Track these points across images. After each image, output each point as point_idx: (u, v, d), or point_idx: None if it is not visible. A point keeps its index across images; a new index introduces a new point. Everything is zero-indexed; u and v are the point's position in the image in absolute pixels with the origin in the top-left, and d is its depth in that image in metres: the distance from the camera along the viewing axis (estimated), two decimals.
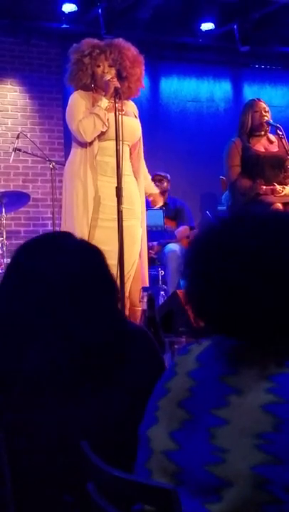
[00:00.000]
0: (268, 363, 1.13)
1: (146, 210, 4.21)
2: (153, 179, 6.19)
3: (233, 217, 1.23)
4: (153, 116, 6.97)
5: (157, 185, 6.24)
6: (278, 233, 1.16)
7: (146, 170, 4.15)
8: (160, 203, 4.18)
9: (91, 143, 3.84)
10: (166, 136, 7.07)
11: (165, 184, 6.31)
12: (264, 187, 4.85)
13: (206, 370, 1.21)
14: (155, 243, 5.87)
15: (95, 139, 3.84)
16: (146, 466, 1.21)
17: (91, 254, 1.60)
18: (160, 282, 5.62)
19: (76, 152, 3.92)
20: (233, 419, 1.11)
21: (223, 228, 1.21)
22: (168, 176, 6.35)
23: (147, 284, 4.06)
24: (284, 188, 4.92)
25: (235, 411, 1.11)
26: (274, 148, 5.02)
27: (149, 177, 4.19)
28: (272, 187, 4.86)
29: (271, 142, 5.04)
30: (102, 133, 3.84)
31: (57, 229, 5.56)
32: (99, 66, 3.90)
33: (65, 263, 1.54)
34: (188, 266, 1.23)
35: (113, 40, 3.99)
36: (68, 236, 1.63)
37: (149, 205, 4.33)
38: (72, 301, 1.50)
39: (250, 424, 1.09)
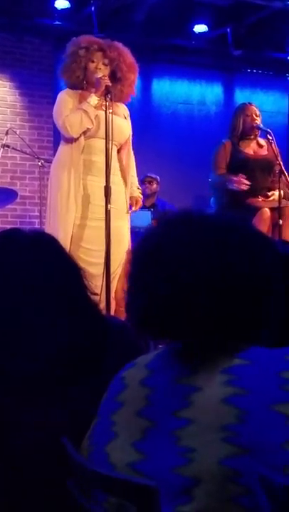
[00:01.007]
0: (219, 358, 1.14)
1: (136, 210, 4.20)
2: (143, 181, 6.20)
3: (164, 223, 1.22)
4: (144, 117, 6.96)
5: (147, 187, 6.26)
6: (205, 238, 1.16)
7: (135, 172, 4.13)
8: (136, 208, 4.15)
9: (77, 140, 3.83)
10: (156, 138, 7.06)
11: (155, 186, 6.31)
12: (235, 179, 4.81)
13: (160, 376, 1.19)
14: None
15: (81, 135, 3.82)
16: None
17: (45, 245, 1.55)
18: None
19: (63, 150, 3.90)
20: (197, 417, 1.10)
21: (151, 236, 1.20)
22: (158, 178, 6.35)
23: None
24: (273, 193, 4.93)
25: (198, 409, 1.11)
26: (263, 152, 5.04)
27: (136, 180, 4.16)
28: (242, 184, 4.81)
29: (261, 146, 5.06)
30: (89, 131, 3.82)
31: (44, 227, 5.54)
32: (93, 61, 3.89)
33: (18, 262, 1.50)
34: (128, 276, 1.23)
35: (113, 42, 4.00)
36: (16, 232, 1.58)
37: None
38: (52, 301, 1.46)
39: (214, 419, 1.08)
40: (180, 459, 1.08)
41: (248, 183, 4.80)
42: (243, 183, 4.79)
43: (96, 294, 1.63)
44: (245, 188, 4.81)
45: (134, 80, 4.00)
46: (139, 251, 1.21)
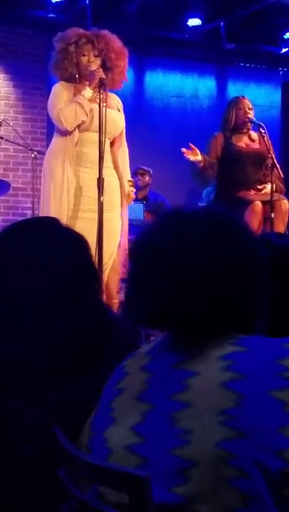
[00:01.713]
0: (217, 345, 1.16)
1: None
2: (136, 173, 6.20)
3: (159, 221, 1.26)
4: (137, 110, 6.96)
5: (139, 179, 6.26)
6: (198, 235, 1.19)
7: (128, 165, 4.13)
8: (130, 202, 4.15)
9: (71, 133, 3.82)
10: (149, 131, 7.06)
11: (147, 178, 6.31)
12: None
13: (159, 361, 1.22)
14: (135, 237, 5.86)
15: (75, 129, 3.82)
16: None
17: (77, 242, 1.58)
18: None
19: (56, 142, 3.90)
20: (194, 400, 1.12)
21: (147, 233, 1.24)
22: (150, 170, 6.35)
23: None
24: (265, 186, 4.94)
25: (195, 392, 1.13)
26: (255, 145, 5.05)
27: (129, 173, 4.16)
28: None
29: (253, 140, 5.07)
30: (83, 123, 3.82)
31: None
32: (84, 55, 3.88)
33: (51, 250, 1.52)
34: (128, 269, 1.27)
35: (99, 31, 3.98)
36: (54, 222, 1.62)
37: None
38: (55, 289, 1.49)
39: (211, 402, 1.11)
40: (177, 441, 1.10)
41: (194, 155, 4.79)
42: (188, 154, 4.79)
43: (104, 303, 1.67)
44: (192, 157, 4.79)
45: (124, 66, 3.98)
46: (137, 248, 1.24)
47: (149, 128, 7.12)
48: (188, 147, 4.81)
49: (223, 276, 1.16)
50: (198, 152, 4.78)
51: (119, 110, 4.05)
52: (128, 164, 4.12)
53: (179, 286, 1.15)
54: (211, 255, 1.16)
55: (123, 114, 4.07)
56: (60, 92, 3.90)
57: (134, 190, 4.25)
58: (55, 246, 1.54)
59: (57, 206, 3.80)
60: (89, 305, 1.52)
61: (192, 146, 4.80)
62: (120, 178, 4.00)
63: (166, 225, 1.22)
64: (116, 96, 4.07)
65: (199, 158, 4.77)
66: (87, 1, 6.23)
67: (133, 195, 4.20)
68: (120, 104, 4.08)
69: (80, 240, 1.59)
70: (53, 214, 3.79)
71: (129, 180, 4.15)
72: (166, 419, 1.14)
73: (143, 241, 1.24)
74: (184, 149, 4.77)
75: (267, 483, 1.04)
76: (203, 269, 1.16)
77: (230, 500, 1.06)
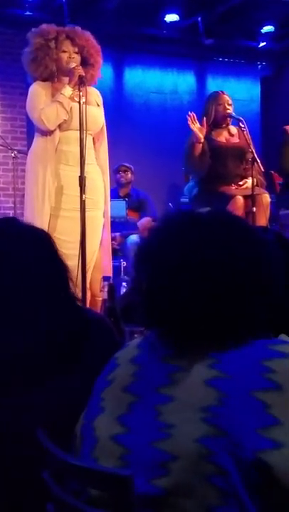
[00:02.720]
0: (204, 343, 1.17)
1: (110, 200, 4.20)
2: (118, 170, 6.19)
3: (164, 226, 1.27)
4: (117, 107, 6.95)
5: (122, 176, 6.25)
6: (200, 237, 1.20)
7: (108, 163, 4.12)
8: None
9: (52, 132, 3.80)
10: (129, 127, 7.05)
11: (130, 175, 6.31)
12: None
13: (148, 354, 1.24)
14: (117, 234, 5.86)
15: (56, 128, 3.80)
16: (92, 455, 1.22)
17: (39, 238, 1.58)
18: (122, 273, 5.61)
19: (38, 141, 3.88)
20: (178, 395, 1.14)
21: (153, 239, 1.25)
22: (132, 167, 6.35)
23: (111, 274, 4.06)
24: (246, 181, 4.96)
25: (180, 387, 1.15)
26: (235, 140, 5.07)
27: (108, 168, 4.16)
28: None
29: (232, 135, 5.09)
30: (64, 122, 3.80)
31: (21, 218, 5.51)
32: (64, 51, 3.85)
33: (14, 250, 1.52)
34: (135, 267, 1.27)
35: (76, 28, 3.95)
36: (14, 221, 1.61)
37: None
38: (25, 291, 1.48)
39: (195, 398, 1.12)
40: (159, 434, 1.12)
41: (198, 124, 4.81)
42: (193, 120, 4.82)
43: (78, 300, 1.65)
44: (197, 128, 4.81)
45: (101, 62, 3.97)
46: (146, 251, 1.25)
47: (130, 124, 7.12)
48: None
49: (232, 278, 1.16)
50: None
51: (98, 105, 4.03)
52: (107, 162, 4.11)
53: (186, 288, 1.16)
54: (222, 258, 1.17)
55: (102, 109, 4.05)
56: (38, 92, 3.86)
57: (110, 189, 4.22)
58: (17, 245, 1.53)
59: (39, 206, 3.79)
60: (62, 304, 1.52)
61: (193, 114, 4.81)
62: (104, 175, 3.98)
63: (177, 229, 1.23)
64: (95, 90, 4.04)
65: (199, 127, 4.77)
66: None
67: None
68: (100, 99, 4.05)
69: (42, 236, 1.59)
70: (36, 214, 3.78)
71: None
72: (151, 411, 1.16)
73: (152, 244, 1.24)
74: (189, 114, 4.77)
75: (244, 480, 1.05)
76: (211, 270, 1.16)
77: (208, 496, 1.07)
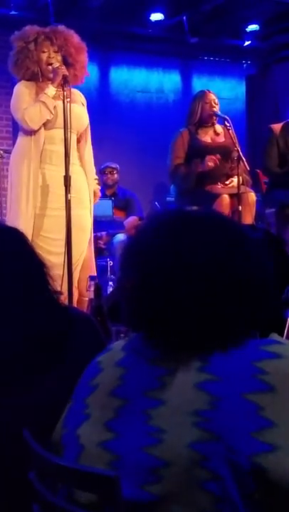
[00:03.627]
0: (194, 345, 1.15)
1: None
2: (104, 171, 6.19)
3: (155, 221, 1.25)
4: (102, 106, 6.94)
5: (108, 177, 6.24)
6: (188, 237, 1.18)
7: (93, 162, 4.12)
8: (97, 199, 4.15)
9: (37, 131, 3.80)
10: (115, 127, 7.05)
11: (116, 176, 6.30)
12: (208, 163, 4.86)
13: (134, 356, 1.21)
14: (104, 233, 5.86)
15: (41, 127, 3.80)
16: (78, 462, 1.18)
17: (14, 238, 1.57)
18: (109, 272, 5.61)
19: (22, 141, 3.87)
20: (168, 399, 1.12)
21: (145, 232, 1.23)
22: (118, 167, 6.34)
23: (95, 273, 4.05)
24: (232, 180, 4.97)
25: (170, 391, 1.12)
26: (220, 139, 5.09)
27: (94, 170, 4.15)
28: (211, 157, 4.88)
29: (217, 134, 5.11)
30: (49, 121, 3.80)
31: (4, 218, 5.49)
32: (44, 52, 3.85)
33: None
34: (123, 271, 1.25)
35: (56, 27, 3.96)
36: None
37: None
38: (1, 290, 1.48)
39: (185, 402, 1.10)
40: (150, 439, 1.10)
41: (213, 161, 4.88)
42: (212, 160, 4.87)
43: (60, 293, 1.64)
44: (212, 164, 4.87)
45: (85, 60, 3.96)
46: (134, 250, 1.23)
47: (116, 123, 7.11)
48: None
49: (224, 278, 1.14)
50: None
51: (83, 105, 4.03)
52: (93, 161, 4.10)
53: (176, 289, 1.14)
54: (213, 258, 1.15)
55: (86, 110, 4.04)
56: (22, 92, 3.86)
57: (100, 188, 4.24)
58: (15, 252, 1.53)
59: (24, 206, 3.78)
60: (42, 304, 1.51)
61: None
62: (88, 175, 3.98)
63: (166, 229, 1.20)
64: (79, 92, 4.05)
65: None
66: None
67: (99, 193, 4.18)
68: (84, 100, 4.06)
69: (15, 235, 1.58)
70: (20, 214, 3.77)
71: (95, 179, 4.14)
72: (140, 416, 1.13)
73: (140, 244, 1.21)
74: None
75: (238, 485, 1.03)
76: (202, 271, 1.14)
77: (202, 502, 1.05)
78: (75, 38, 3.90)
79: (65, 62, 3.86)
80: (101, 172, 6.03)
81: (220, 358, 1.12)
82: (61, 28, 3.93)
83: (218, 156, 4.86)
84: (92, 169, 4.07)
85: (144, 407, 1.14)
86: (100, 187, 4.20)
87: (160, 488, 1.07)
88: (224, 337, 1.14)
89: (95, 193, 4.06)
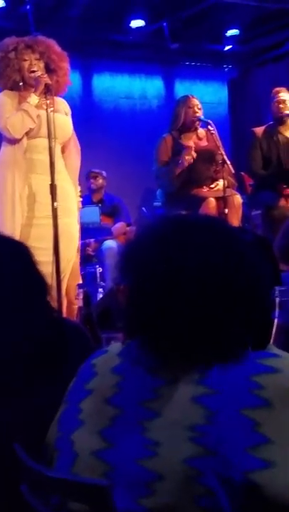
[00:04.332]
0: (192, 356, 1.13)
1: (82, 207, 4.20)
2: (88, 176, 6.19)
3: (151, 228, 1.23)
4: (86, 113, 6.94)
5: (92, 183, 6.24)
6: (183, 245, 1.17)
7: (78, 172, 4.12)
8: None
9: (20, 140, 3.79)
10: (100, 133, 7.05)
11: (100, 181, 6.30)
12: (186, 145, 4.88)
13: (132, 365, 1.19)
14: (92, 240, 5.86)
15: (23, 136, 3.79)
16: (71, 470, 1.17)
17: (19, 251, 1.58)
18: (98, 279, 5.61)
19: (6, 150, 3.87)
20: (165, 411, 1.10)
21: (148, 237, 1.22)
22: (103, 172, 6.34)
23: (80, 281, 4.05)
24: (217, 183, 5.00)
25: (166, 403, 1.11)
26: (203, 143, 5.12)
27: (77, 179, 4.15)
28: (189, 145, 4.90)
29: (200, 138, 5.14)
30: (32, 130, 3.80)
31: None
32: (25, 60, 3.84)
33: None
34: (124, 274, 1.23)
35: (37, 36, 3.97)
36: None
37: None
38: (4, 302, 1.48)
39: (181, 416, 1.08)
40: (145, 451, 1.09)
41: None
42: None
43: (55, 311, 1.65)
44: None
45: (67, 68, 3.96)
46: (127, 260, 1.21)
47: (100, 130, 7.12)
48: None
49: (223, 287, 1.13)
50: None
51: (66, 114, 4.03)
52: (78, 172, 4.10)
53: (174, 297, 1.12)
54: (213, 266, 1.13)
55: (70, 119, 4.05)
56: (4, 101, 3.86)
57: (81, 200, 4.23)
58: (17, 264, 1.54)
59: (10, 215, 3.77)
60: (40, 313, 1.52)
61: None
62: (74, 183, 3.98)
63: (163, 235, 1.18)
64: (63, 100, 4.05)
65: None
66: (28, 7, 6.18)
67: (80, 205, 4.17)
68: (68, 109, 4.06)
69: (19, 248, 1.59)
70: (7, 223, 3.76)
71: (80, 191, 4.13)
72: (136, 427, 1.12)
73: (137, 251, 1.20)
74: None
75: (232, 502, 1.02)
76: (201, 279, 1.12)
77: None
78: (57, 47, 3.91)
79: (48, 69, 3.87)
80: (86, 177, 6.03)
81: (218, 371, 1.11)
82: (41, 37, 3.94)
83: (194, 153, 4.88)
84: (76, 180, 4.07)
85: (140, 418, 1.12)
86: (81, 199, 4.18)
87: (153, 502, 1.06)
88: (218, 341, 1.13)
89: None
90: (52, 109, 3.69)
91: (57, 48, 3.91)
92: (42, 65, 3.86)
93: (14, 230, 3.73)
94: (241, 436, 1.05)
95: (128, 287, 1.19)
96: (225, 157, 4.85)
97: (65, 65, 3.94)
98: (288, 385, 1.08)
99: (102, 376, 1.23)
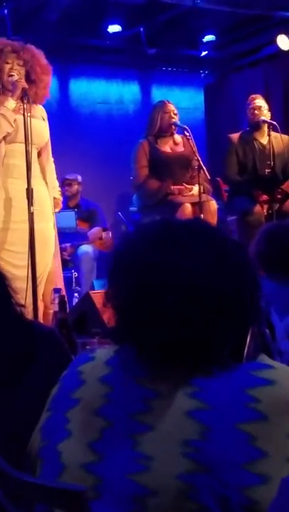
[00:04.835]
0: (184, 367, 1.11)
1: (59, 211, 4.20)
2: (62, 184, 6.18)
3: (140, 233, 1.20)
4: (63, 118, 6.93)
5: (67, 190, 6.23)
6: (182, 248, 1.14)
7: (55, 173, 4.13)
8: (59, 208, 4.16)
9: None
10: (76, 138, 7.05)
11: (75, 187, 6.29)
12: (172, 187, 4.95)
13: (120, 374, 1.16)
14: (68, 245, 5.85)
15: (1, 141, 3.78)
16: (57, 481, 1.15)
17: None
18: (74, 284, 5.60)
19: None
20: (157, 425, 1.08)
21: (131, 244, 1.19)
22: (78, 177, 6.33)
23: (62, 286, 4.05)
24: (192, 188, 5.03)
25: (159, 416, 1.08)
26: (180, 148, 5.14)
27: (56, 182, 4.16)
28: (179, 187, 4.97)
29: (176, 144, 5.16)
30: (9, 135, 3.79)
31: None
32: (7, 63, 3.83)
33: None
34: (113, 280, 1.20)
35: (26, 45, 3.96)
36: None
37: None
38: None
39: (175, 430, 1.06)
40: (136, 465, 1.06)
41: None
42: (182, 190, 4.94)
43: (22, 306, 1.63)
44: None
45: (48, 81, 3.97)
46: (119, 265, 1.18)
47: (76, 135, 7.11)
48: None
49: (219, 296, 1.10)
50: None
51: (44, 119, 4.03)
52: (54, 173, 4.11)
53: (167, 305, 1.09)
54: (209, 273, 1.10)
55: (47, 124, 4.05)
56: None
57: (62, 199, 4.24)
58: None
59: None
60: (8, 318, 1.51)
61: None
62: (49, 187, 3.98)
63: (156, 241, 1.15)
64: (40, 106, 4.05)
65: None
66: (5, 11, 6.16)
67: (60, 204, 4.18)
68: (45, 114, 4.06)
69: None
70: None
71: (58, 190, 4.14)
72: (126, 440, 1.09)
73: (130, 256, 1.16)
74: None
75: None
76: (197, 287, 1.09)
77: None
78: (43, 59, 3.90)
79: (28, 78, 3.86)
80: (60, 185, 6.02)
81: (212, 384, 1.08)
82: (31, 46, 3.93)
83: (171, 181, 4.95)
84: (54, 182, 4.08)
85: (131, 431, 1.09)
86: (61, 198, 4.20)
87: None
88: (210, 349, 1.10)
89: (56, 203, 4.06)
90: (29, 114, 3.68)
91: (43, 60, 3.90)
92: (23, 72, 3.85)
93: None
94: (237, 452, 1.03)
95: (117, 292, 1.16)
96: (201, 163, 4.88)
97: (47, 78, 3.94)
98: (284, 397, 1.07)
99: (90, 385, 1.19)
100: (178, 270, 1.10)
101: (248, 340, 1.14)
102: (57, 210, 4.09)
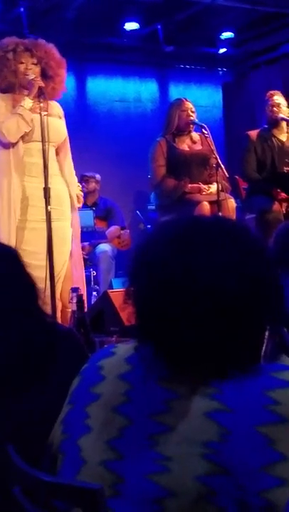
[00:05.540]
0: (204, 368, 1.10)
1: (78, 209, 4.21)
2: (80, 180, 6.19)
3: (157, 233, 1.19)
4: (80, 116, 6.95)
5: (84, 186, 6.24)
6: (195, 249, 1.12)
7: (74, 171, 4.13)
8: (79, 205, 4.16)
9: (16, 144, 3.79)
10: (94, 137, 7.06)
11: (93, 185, 6.30)
12: (190, 185, 4.93)
13: (141, 372, 1.15)
14: (86, 244, 5.86)
15: (19, 140, 3.79)
16: (77, 478, 1.14)
17: (7, 256, 1.58)
18: (92, 283, 5.61)
19: (1, 154, 3.86)
20: (177, 425, 1.07)
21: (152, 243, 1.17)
22: (96, 176, 6.34)
23: (84, 285, 4.05)
24: (210, 186, 5.01)
25: (178, 417, 1.08)
26: (197, 147, 5.12)
27: (76, 179, 4.17)
28: (197, 185, 4.95)
29: (194, 142, 5.14)
30: (27, 134, 3.80)
31: None
32: (22, 63, 3.84)
33: None
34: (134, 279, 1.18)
35: (37, 40, 3.96)
36: None
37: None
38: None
39: (194, 431, 1.06)
40: (155, 466, 1.06)
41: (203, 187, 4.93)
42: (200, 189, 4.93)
43: (47, 316, 1.65)
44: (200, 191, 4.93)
45: (64, 75, 3.97)
46: (140, 263, 1.16)
47: (94, 133, 7.13)
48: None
49: (243, 297, 1.08)
50: None
51: (60, 117, 4.04)
52: (73, 170, 4.11)
53: (189, 305, 1.07)
54: (233, 273, 1.08)
55: (64, 122, 4.05)
56: None
57: (82, 194, 4.25)
58: (10, 270, 1.54)
59: (5, 218, 3.77)
60: (33, 316, 1.52)
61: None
62: (68, 186, 3.99)
63: (181, 239, 1.13)
64: (57, 103, 4.05)
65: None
66: (22, 9, 6.18)
67: (82, 199, 4.19)
68: (61, 112, 4.06)
69: (9, 253, 1.59)
70: (1, 227, 3.76)
71: (78, 186, 4.15)
72: (145, 440, 1.09)
73: (153, 254, 1.14)
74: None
75: None
76: (220, 287, 1.07)
77: None
78: (56, 53, 3.91)
79: (45, 75, 3.86)
80: (78, 181, 6.04)
81: (231, 385, 1.07)
82: (41, 41, 3.93)
83: (188, 180, 4.95)
84: (73, 179, 4.08)
85: (151, 432, 1.09)
86: (82, 193, 4.21)
87: None
88: (232, 351, 1.09)
89: (78, 197, 4.07)
90: (46, 112, 3.69)
91: (56, 54, 3.90)
92: (38, 69, 3.85)
93: (10, 234, 3.73)
94: (255, 454, 1.02)
95: (138, 291, 1.14)
96: (219, 161, 4.86)
97: (63, 71, 3.94)
98: None
99: (110, 382, 1.19)
100: (201, 270, 1.08)
101: (265, 340, 1.13)
102: (79, 205, 4.10)
